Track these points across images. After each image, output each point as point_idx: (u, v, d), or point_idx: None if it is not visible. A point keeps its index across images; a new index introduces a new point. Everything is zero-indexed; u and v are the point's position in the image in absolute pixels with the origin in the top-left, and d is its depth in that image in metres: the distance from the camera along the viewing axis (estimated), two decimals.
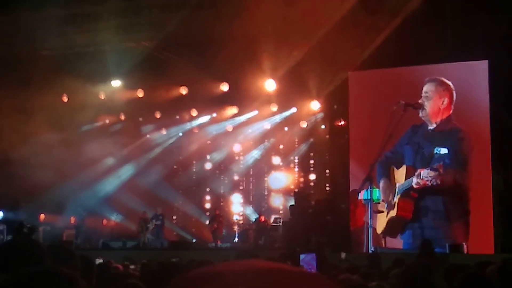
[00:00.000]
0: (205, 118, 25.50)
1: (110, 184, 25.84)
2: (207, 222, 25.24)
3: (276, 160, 26.72)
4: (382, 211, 16.27)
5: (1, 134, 22.67)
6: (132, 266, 11.87)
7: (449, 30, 16.72)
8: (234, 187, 27.41)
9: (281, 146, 26.57)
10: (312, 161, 25.82)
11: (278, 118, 24.57)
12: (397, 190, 16.10)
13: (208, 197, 27.69)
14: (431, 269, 3.87)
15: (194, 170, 27.51)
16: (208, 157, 27.30)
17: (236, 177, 27.38)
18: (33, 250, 3.17)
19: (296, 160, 26.44)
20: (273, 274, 1.63)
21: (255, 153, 26.94)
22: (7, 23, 20.82)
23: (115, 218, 26.10)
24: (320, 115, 23.37)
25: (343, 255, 13.15)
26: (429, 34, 17.25)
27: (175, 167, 27.20)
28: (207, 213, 26.78)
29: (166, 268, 6.00)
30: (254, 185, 27.22)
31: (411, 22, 17.30)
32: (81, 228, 24.34)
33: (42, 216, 25.30)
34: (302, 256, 8.41)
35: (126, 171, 26.56)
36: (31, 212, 24.02)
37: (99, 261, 10.51)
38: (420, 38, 17.77)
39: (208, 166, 27.37)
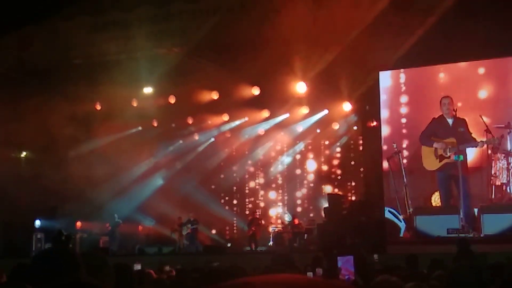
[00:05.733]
0: (237, 122, 25.52)
1: (145, 190, 25.97)
2: (244, 227, 25.23)
3: (309, 162, 26.64)
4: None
5: (37, 142, 22.96)
6: (167, 268, 11.98)
7: (481, 27, 16.50)
8: (268, 190, 27.36)
9: (313, 148, 26.49)
10: (345, 162, 25.66)
11: (310, 120, 24.48)
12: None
13: (242, 201, 27.69)
14: (479, 272, 3.76)
15: (227, 174, 27.51)
16: (240, 161, 27.30)
17: (269, 181, 27.34)
18: (68, 260, 3.18)
19: (329, 160, 26.30)
20: (302, 286, 1.63)
21: (288, 156, 26.89)
22: (40, 33, 21.05)
23: (149, 223, 26.27)
24: (353, 116, 23.29)
25: (375, 256, 13.08)
26: (461, 32, 17.07)
27: (208, 171, 27.22)
28: (243, 217, 26.78)
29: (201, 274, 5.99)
30: (288, 188, 27.12)
31: (442, 21, 17.13)
32: (115, 234, 24.50)
33: (79, 223, 25.53)
34: (339, 259, 8.33)
35: (160, 177, 26.70)
36: (68, 220, 24.25)
37: (137, 267, 10.61)
38: (451, 36, 17.60)
39: (241, 170, 27.37)
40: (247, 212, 26.82)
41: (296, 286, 1.64)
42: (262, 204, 27.22)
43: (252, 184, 27.63)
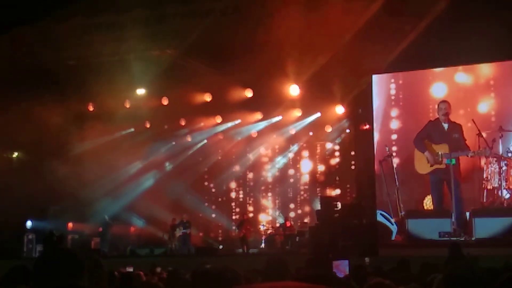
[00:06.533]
0: (229, 124, 25.51)
1: (136, 192, 25.93)
2: (234, 228, 25.24)
3: (302, 165, 26.66)
4: None
5: (29, 143, 22.91)
6: (158, 269, 12.01)
7: (474, 31, 16.54)
8: (260, 192, 27.36)
9: (306, 151, 26.54)
10: (338, 165, 25.69)
11: (302, 123, 24.50)
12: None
13: (234, 204, 27.69)
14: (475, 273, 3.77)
15: (219, 176, 27.50)
16: (232, 163, 27.30)
17: (261, 183, 27.35)
18: (71, 262, 3.16)
19: (322, 163, 26.33)
20: None
21: (280, 159, 26.90)
22: (34, 34, 21.01)
23: (139, 224, 26.24)
24: (345, 120, 23.33)
25: (367, 259, 13.12)
26: (454, 35, 17.11)
27: (200, 173, 27.21)
28: (234, 220, 26.78)
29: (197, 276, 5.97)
30: (280, 190, 27.13)
31: (435, 24, 17.17)
32: (106, 235, 24.42)
33: (70, 224, 25.48)
34: (335, 263, 8.37)
35: (152, 178, 26.66)
36: (59, 221, 24.19)
37: (129, 269, 10.62)
38: (444, 40, 17.64)
39: (233, 172, 27.37)
40: (235, 217, 26.82)
41: None
42: (253, 207, 27.22)
43: (243, 186, 27.62)
